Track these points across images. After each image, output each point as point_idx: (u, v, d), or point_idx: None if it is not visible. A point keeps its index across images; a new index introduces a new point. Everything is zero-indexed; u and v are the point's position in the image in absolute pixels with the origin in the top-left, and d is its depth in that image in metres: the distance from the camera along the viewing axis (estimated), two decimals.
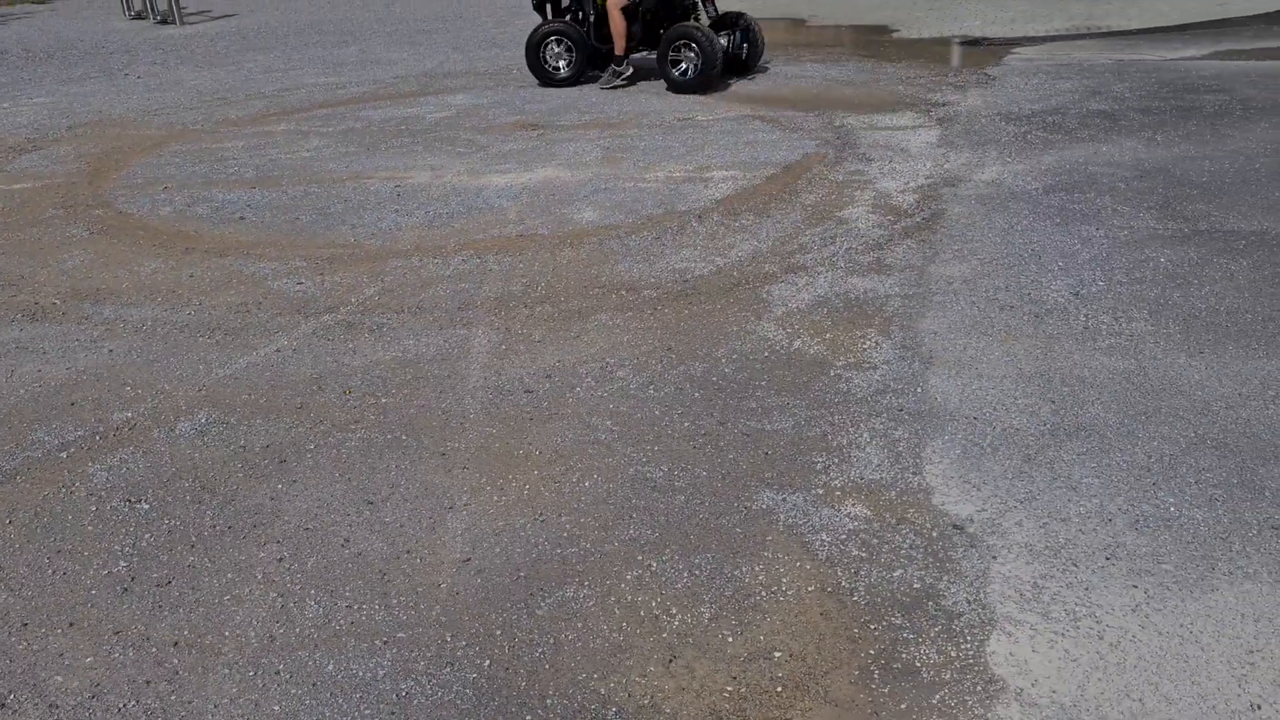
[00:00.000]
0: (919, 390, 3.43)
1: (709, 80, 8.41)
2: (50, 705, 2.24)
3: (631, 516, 2.83)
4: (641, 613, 2.46)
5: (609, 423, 3.33)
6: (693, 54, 8.36)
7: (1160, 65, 8.85)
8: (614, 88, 8.74)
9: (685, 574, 2.59)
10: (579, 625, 2.43)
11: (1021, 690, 2.16)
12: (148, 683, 2.30)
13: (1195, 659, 2.21)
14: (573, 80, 8.92)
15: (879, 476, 2.95)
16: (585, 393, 3.53)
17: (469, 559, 2.67)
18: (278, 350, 3.95)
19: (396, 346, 3.95)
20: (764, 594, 2.50)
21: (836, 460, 3.05)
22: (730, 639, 2.36)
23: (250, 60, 11.93)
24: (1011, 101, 7.68)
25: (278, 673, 2.32)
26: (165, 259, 4.97)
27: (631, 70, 8.80)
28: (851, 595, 2.48)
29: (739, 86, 8.74)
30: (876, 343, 3.80)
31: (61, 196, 6.05)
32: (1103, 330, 3.78)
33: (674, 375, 3.63)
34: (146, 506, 2.95)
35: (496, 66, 10.36)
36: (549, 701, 2.21)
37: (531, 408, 3.45)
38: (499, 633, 2.42)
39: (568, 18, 9.03)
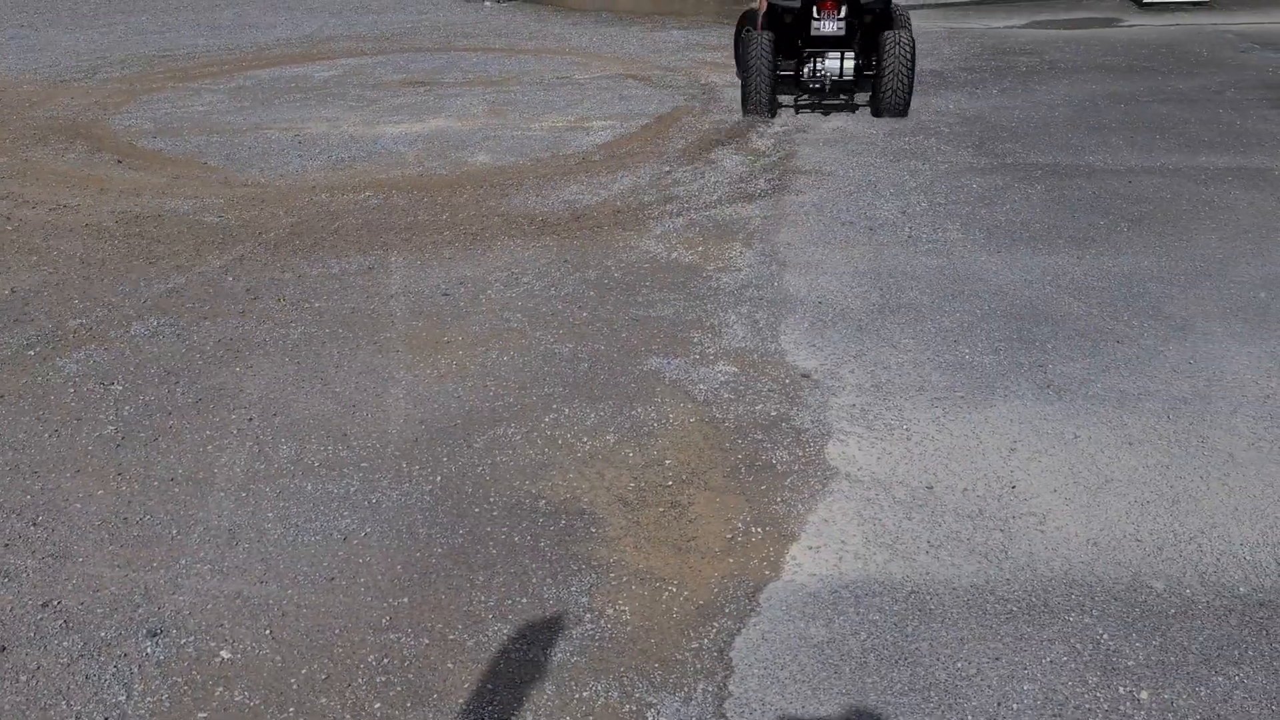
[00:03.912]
0: (775, 285, 4.14)
1: None
2: (73, 526, 2.71)
3: (545, 379, 3.44)
4: (559, 441, 3.09)
5: (520, 316, 3.92)
6: None
7: (984, 32, 9.89)
8: None
9: (592, 415, 3.22)
10: (510, 451, 3.04)
11: (850, 474, 2.88)
12: (157, 504, 2.79)
13: (975, 449, 2.98)
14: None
15: (744, 345, 3.65)
16: (496, 294, 4.11)
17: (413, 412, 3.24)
18: (209, 270, 4.37)
19: (321, 265, 4.43)
20: (656, 425, 3.16)
21: (710, 335, 3.73)
22: (631, 454, 3.01)
23: (121, 22, 11.85)
24: None
25: (265, 493, 2.85)
26: (82, 196, 5.27)
27: None
28: (724, 422, 3.16)
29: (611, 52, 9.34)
30: (740, 252, 4.50)
31: None
32: (923, 238, 4.58)
33: (572, 280, 4.24)
34: (120, 388, 3.39)
35: (377, 32, 10.67)
36: (492, 498, 2.81)
37: (450, 307, 4.01)
38: (445, 459, 3.00)
39: None
